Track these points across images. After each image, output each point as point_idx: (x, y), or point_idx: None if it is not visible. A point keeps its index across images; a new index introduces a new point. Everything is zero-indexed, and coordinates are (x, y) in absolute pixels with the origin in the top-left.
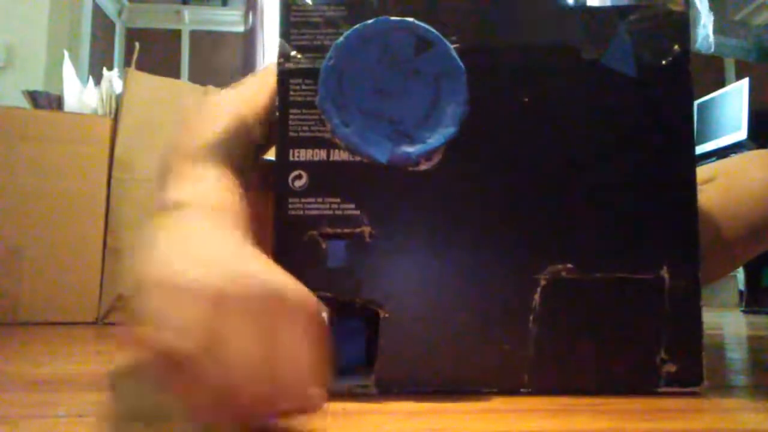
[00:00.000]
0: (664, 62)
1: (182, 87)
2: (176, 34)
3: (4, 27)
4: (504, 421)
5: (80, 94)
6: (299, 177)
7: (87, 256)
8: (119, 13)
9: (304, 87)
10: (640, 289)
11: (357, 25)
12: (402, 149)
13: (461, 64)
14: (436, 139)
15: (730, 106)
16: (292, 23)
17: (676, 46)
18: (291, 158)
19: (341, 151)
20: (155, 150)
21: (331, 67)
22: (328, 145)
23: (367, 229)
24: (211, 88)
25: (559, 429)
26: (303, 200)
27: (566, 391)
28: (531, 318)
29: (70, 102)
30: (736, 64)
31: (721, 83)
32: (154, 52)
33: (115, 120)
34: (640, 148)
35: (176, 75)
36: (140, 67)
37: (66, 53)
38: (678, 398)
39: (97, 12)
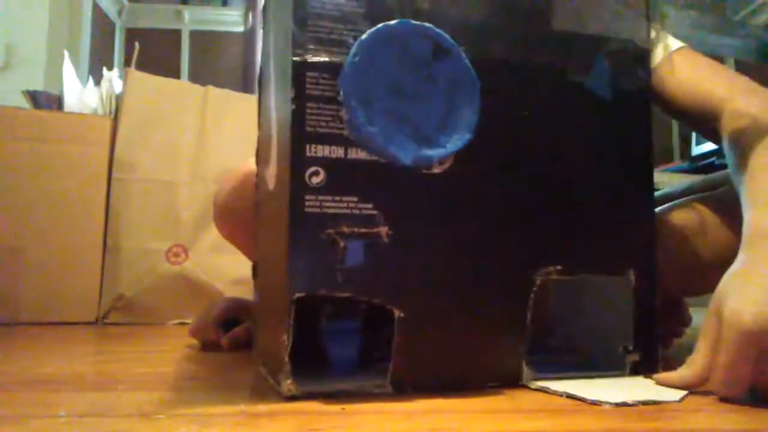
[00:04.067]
0: (632, 89)
1: (182, 87)
2: (176, 34)
3: (4, 27)
4: (504, 421)
5: (80, 94)
6: (316, 174)
7: (87, 256)
8: (119, 13)
9: (321, 81)
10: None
11: (380, 24)
12: (423, 152)
13: (475, 74)
14: (454, 144)
15: None
16: (309, 13)
17: (641, 76)
18: (308, 153)
19: (359, 150)
20: (155, 150)
21: (357, 64)
22: (346, 142)
23: (384, 230)
24: (211, 88)
25: (559, 429)
26: (320, 198)
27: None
28: (528, 316)
29: (70, 102)
30: (736, 64)
31: None
32: (154, 52)
33: (115, 120)
34: (612, 167)
35: (176, 75)
36: (140, 67)
37: (66, 53)
38: None
39: (97, 12)
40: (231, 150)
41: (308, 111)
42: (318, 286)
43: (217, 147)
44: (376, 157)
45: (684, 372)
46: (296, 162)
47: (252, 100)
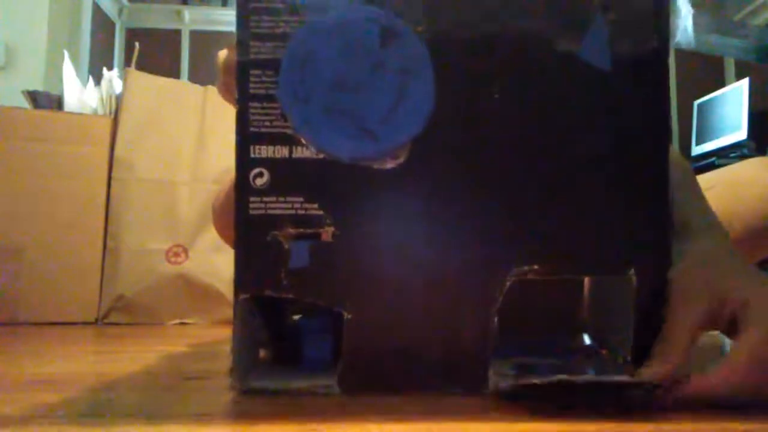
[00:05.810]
0: (641, 56)
1: (182, 87)
2: (176, 34)
3: (4, 27)
4: (504, 421)
5: (80, 94)
6: (260, 175)
7: (87, 256)
8: (119, 13)
9: (264, 79)
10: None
11: (320, 14)
12: (366, 147)
13: (429, 58)
14: (401, 136)
15: (730, 106)
16: (251, 9)
17: (654, 40)
18: (252, 155)
19: (304, 148)
20: (155, 150)
21: (292, 58)
22: (291, 141)
23: (330, 230)
24: (211, 88)
25: (559, 429)
26: (265, 199)
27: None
28: (495, 319)
29: (70, 102)
30: (736, 64)
31: (721, 83)
32: (154, 52)
33: (115, 120)
34: (611, 152)
35: (176, 75)
36: (140, 67)
37: (66, 53)
38: None
39: (97, 12)
40: (231, 150)
41: (251, 111)
42: (263, 287)
43: (217, 147)
44: (322, 155)
45: (656, 368)
46: (241, 163)
47: None
